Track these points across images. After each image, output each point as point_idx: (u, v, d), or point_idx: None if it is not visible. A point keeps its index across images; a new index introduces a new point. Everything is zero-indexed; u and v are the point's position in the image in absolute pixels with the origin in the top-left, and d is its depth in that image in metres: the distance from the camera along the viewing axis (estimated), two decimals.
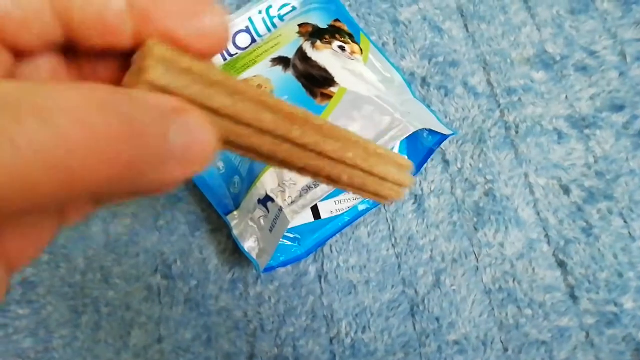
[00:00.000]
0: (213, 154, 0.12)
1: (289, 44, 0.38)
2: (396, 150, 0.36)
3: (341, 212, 0.35)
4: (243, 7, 0.40)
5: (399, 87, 0.37)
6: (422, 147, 0.35)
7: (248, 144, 0.15)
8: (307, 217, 0.35)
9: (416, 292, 0.34)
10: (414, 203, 0.36)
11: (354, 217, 0.35)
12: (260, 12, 0.40)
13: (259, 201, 0.32)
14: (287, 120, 0.15)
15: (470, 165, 0.36)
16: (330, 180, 0.17)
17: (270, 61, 0.37)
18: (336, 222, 0.35)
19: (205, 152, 0.12)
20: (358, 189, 0.17)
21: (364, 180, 0.17)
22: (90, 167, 0.10)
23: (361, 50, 0.38)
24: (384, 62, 0.38)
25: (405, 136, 0.35)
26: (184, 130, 0.12)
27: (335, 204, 0.35)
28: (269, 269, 0.33)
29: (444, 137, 0.35)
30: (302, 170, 0.16)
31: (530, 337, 0.33)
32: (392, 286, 0.34)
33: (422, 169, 0.36)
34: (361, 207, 0.35)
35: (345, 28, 0.39)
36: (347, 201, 0.35)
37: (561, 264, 0.34)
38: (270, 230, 0.32)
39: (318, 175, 0.16)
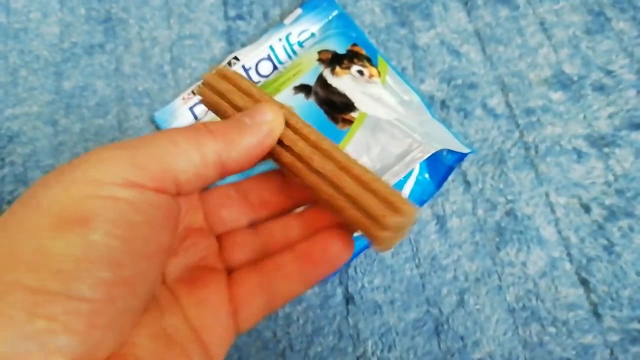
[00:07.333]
0: (275, 128, 0.21)
1: (309, 71, 0.39)
2: (417, 170, 0.37)
3: None
4: (264, 35, 0.42)
5: (417, 108, 0.38)
6: (442, 165, 0.36)
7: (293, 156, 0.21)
8: None
9: (440, 311, 0.34)
10: (436, 224, 0.36)
11: None
12: (280, 40, 0.42)
13: None
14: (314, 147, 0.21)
15: (491, 185, 0.37)
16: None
17: (293, 89, 0.38)
18: (362, 240, 0.36)
19: (268, 125, 0.20)
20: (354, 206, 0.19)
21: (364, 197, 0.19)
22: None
23: (379, 72, 0.39)
24: (402, 83, 0.39)
25: (425, 157, 0.36)
26: (251, 115, 0.20)
27: None
28: None
29: (463, 155, 0.36)
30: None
31: (554, 355, 0.33)
32: (417, 305, 0.35)
33: (444, 190, 0.37)
34: None
35: (363, 52, 0.40)
36: None
37: (583, 282, 0.34)
38: None
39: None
